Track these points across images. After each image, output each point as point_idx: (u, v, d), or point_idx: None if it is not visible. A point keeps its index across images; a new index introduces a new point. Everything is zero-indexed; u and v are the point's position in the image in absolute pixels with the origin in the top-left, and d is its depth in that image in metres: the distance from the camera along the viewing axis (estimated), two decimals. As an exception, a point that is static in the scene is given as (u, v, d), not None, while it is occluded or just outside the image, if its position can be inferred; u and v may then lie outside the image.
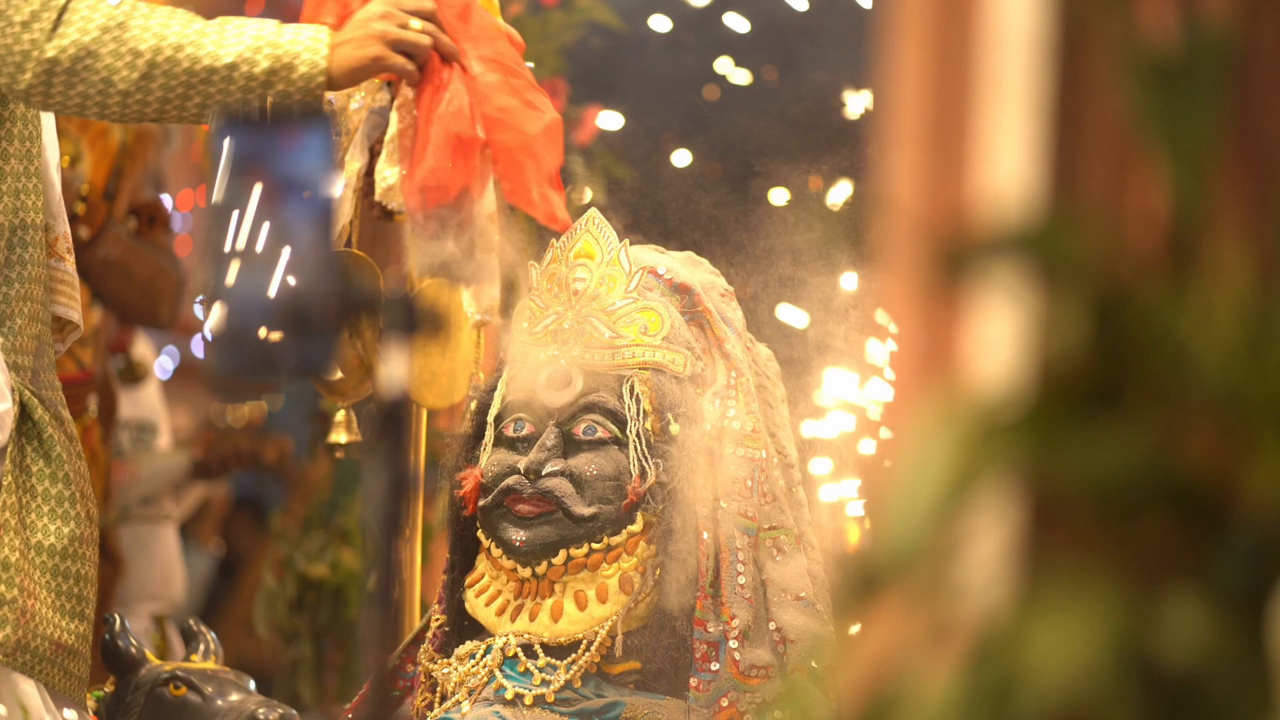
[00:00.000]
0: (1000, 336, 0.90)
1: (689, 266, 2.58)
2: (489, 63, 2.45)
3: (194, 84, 2.24)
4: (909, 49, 1.00)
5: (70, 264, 2.43)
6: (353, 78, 2.36)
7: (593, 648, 2.39)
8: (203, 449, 4.10)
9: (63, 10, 2.24)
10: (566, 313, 2.49)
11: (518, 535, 2.42)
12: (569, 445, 2.44)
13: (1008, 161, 0.93)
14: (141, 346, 4.16)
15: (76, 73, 2.23)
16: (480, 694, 2.41)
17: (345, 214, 2.65)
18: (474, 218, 2.50)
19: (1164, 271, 0.88)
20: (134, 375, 4.06)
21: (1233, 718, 0.80)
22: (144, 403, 4.15)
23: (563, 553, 2.41)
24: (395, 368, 1.27)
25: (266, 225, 1.42)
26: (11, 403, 2.32)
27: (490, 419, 2.50)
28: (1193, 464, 0.85)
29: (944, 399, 0.89)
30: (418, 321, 1.30)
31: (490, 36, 2.47)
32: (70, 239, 2.47)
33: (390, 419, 1.26)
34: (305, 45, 2.26)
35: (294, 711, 2.42)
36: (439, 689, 2.46)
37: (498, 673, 2.41)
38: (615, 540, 2.41)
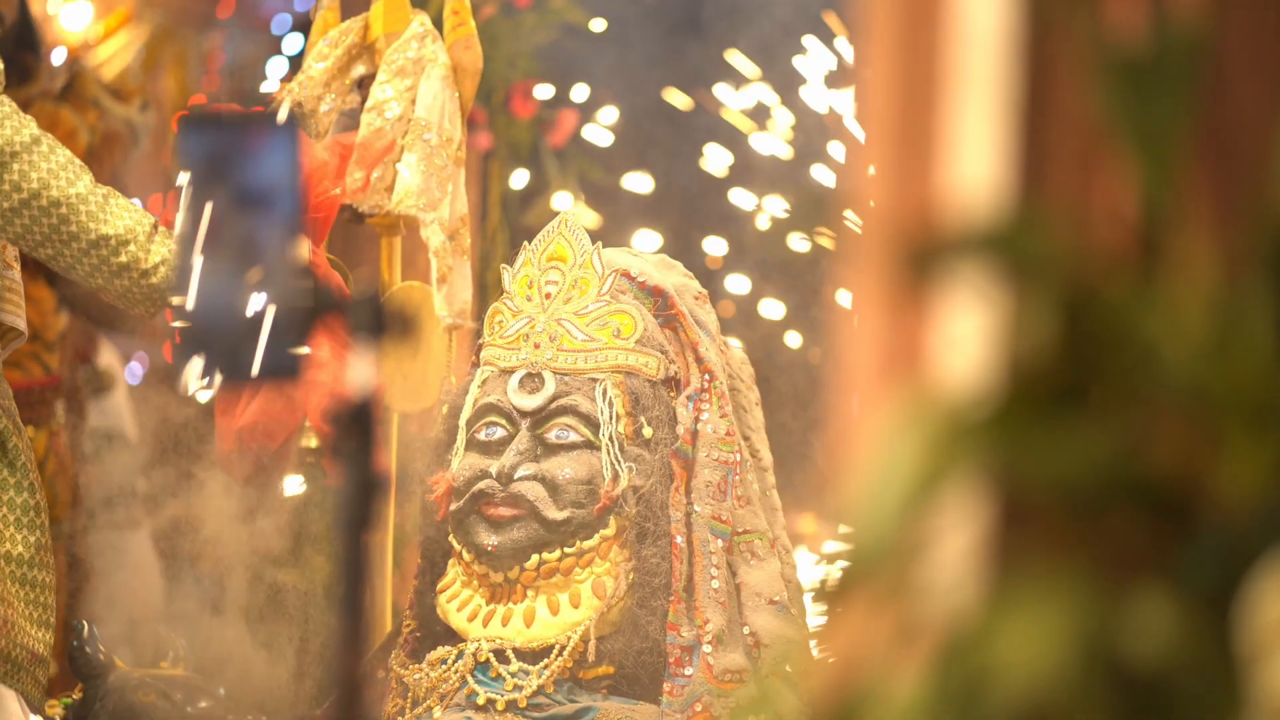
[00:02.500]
0: (968, 335, 0.90)
1: (662, 269, 2.57)
2: None
3: (54, 238, 2.29)
4: (878, 47, 0.99)
5: (16, 271, 2.44)
6: None
7: (565, 653, 2.38)
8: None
9: None
10: (539, 316, 2.49)
11: (490, 539, 2.41)
12: (541, 449, 2.44)
13: (975, 160, 0.93)
14: (107, 355, 4.14)
15: None
16: (452, 699, 2.41)
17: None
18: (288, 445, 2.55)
19: (1131, 269, 0.88)
20: (100, 385, 4.04)
21: (1201, 716, 0.80)
22: (111, 411, 4.13)
23: (535, 557, 2.40)
24: (364, 370, 1.26)
25: (235, 229, 1.41)
26: None
27: (462, 422, 2.50)
28: (1160, 462, 0.85)
29: (912, 397, 0.88)
30: (387, 324, 1.29)
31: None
32: (17, 247, 2.47)
33: (360, 422, 1.25)
34: (166, 259, 2.30)
35: (264, 718, 2.41)
36: (410, 694, 2.45)
37: (469, 678, 2.40)
38: (588, 544, 2.41)
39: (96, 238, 2.28)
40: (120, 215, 2.30)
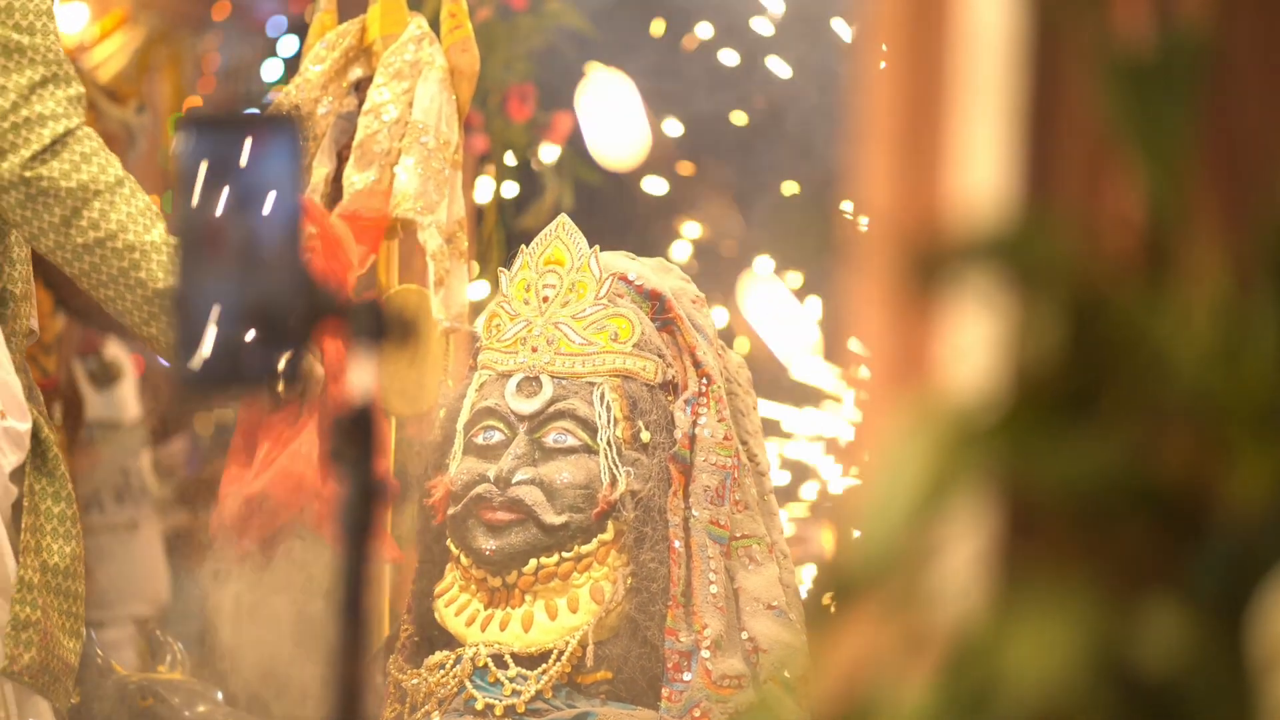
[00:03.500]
0: (975, 342, 0.89)
1: (660, 273, 2.57)
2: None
3: (119, 280, 2.28)
4: (883, 52, 0.99)
5: (30, 271, 2.43)
6: None
7: (564, 658, 2.37)
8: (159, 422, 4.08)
9: (65, 137, 2.25)
10: (536, 319, 2.48)
11: (488, 544, 2.40)
12: (539, 453, 2.43)
13: (982, 165, 0.93)
14: (113, 347, 4.13)
15: (34, 199, 2.26)
16: (450, 704, 2.40)
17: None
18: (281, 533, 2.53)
19: (1140, 275, 0.88)
20: (108, 376, 4.03)
21: (1211, 726, 0.79)
22: (116, 403, 4.12)
23: (533, 562, 2.40)
24: (363, 374, 1.26)
25: (232, 231, 1.41)
26: (30, 421, 2.31)
27: (460, 426, 2.49)
28: (1169, 469, 0.84)
29: (919, 405, 0.88)
30: (386, 328, 1.29)
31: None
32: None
33: (358, 426, 1.25)
34: None
35: (262, 723, 2.41)
36: (408, 700, 2.45)
37: (467, 683, 2.39)
38: (586, 549, 2.40)
39: (163, 287, 2.26)
40: None
